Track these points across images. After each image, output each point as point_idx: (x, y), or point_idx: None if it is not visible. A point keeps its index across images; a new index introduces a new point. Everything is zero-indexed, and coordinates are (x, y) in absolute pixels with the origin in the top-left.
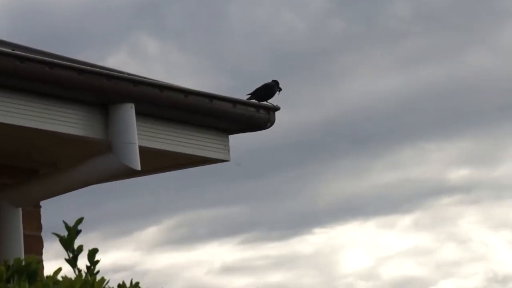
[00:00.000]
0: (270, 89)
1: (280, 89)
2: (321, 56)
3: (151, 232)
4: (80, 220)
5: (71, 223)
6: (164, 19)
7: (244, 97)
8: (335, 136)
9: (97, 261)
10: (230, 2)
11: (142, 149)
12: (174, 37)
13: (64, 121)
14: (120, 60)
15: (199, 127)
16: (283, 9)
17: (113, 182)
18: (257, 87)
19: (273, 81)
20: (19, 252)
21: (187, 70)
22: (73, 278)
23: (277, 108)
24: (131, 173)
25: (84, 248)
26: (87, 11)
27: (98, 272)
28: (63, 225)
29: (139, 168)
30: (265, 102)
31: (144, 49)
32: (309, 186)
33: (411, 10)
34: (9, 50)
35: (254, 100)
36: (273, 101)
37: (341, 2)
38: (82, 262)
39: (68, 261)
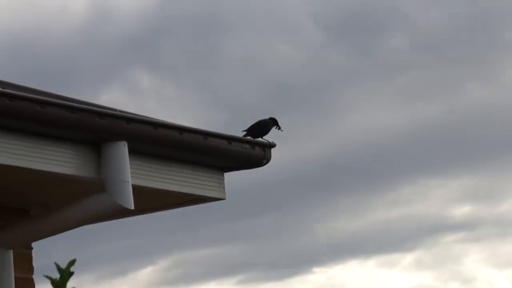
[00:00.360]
0: (265, 126)
1: (279, 128)
2: (318, 89)
3: (146, 273)
4: (72, 262)
5: (63, 265)
6: (158, 53)
7: (240, 133)
8: (334, 172)
9: None
10: (224, 34)
11: (136, 188)
12: (169, 71)
13: (56, 160)
14: (113, 96)
15: (194, 165)
16: (278, 41)
17: (107, 222)
18: (252, 123)
19: (270, 118)
20: None
21: (182, 105)
22: None
23: (273, 145)
24: (124, 213)
25: None
26: (79, 45)
27: None
28: (55, 267)
29: (132, 207)
30: (260, 139)
31: (138, 84)
32: (308, 223)
33: (409, 41)
34: None
35: (249, 137)
36: (269, 137)
37: (337, 33)
38: None
39: None
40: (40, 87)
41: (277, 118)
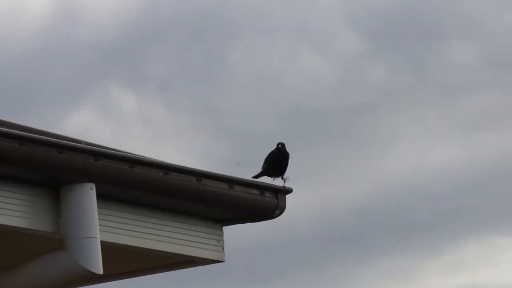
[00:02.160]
0: (280, 158)
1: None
2: (352, 115)
3: None
4: None
5: None
6: (144, 65)
7: (244, 174)
8: (372, 224)
9: None
10: (231, 43)
11: (106, 246)
12: (157, 89)
13: (0, 208)
14: (83, 121)
15: (184, 216)
16: (301, 51)
17: None
18: (264, 161)
19: (279, 145)
20: None
21: (173, 132)
22: None
23: (288, 191)
24: (90, 278)
25: None
26: (39, 53)
27: None
28: None
29: (101, 271)
30: (272, 182)
31: (117, 105)
32: None
33: (475, 54)
34: None
35: (258, 180)
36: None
37: (379, 42)
38: None
39: None
40: None
41: (296, 153)
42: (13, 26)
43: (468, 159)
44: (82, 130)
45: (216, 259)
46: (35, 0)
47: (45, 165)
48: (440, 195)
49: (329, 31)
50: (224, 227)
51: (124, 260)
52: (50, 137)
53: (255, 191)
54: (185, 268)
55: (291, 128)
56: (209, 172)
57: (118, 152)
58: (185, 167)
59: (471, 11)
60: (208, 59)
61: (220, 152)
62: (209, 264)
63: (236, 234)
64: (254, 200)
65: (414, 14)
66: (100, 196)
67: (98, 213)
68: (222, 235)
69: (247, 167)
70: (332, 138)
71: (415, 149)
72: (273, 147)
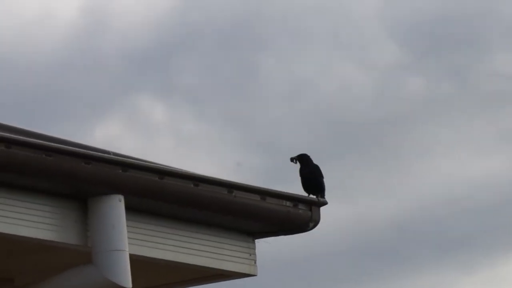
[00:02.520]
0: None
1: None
2: (390, 126)
3: None
4: None
5: None
6: (174, 75)
7: (279, 184)
8: (408, 238)
9: None
10: (263, 52)
11: (135, 259)
12: (186, 99)
13: (26, 221)
14: (112, 132)
15: (215, 229)
16: (336, 61)
17: None
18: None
19: (301, 156)
20: None
21: (203, 145)
22: None
23: (322, 203)
24: None
25: None
26: (68, 65)
27: None
28: None
29: (130, 285)
30: (306, 195)
31: (147, 117)
32: None
33: None
34: None
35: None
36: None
37: (417, 51)
38: None
39: None
40: (7, 120)
41: (331, 166)
42: (41, 35)
43: (509, 172)
44: (111, 142)
45: (247, 272)
46: (63, 10)
47: (72, 176)
48: (479, 209)
49: (365, 40)
50: (256, 240)
51: (153, 274)
52: (77, 147)
53: (288, 203)
54: (216, 282)
55: (325, 140)
56: (241, 183)
57: (147, 163)
58: (216, 178)
59: None
60: (240, 68)
61: (252, 164)
62: (240, 278)
63: (268, 247)
64: (287, 212)
65: (454, 22)
66: (129, 208)
67: (127, 226)
68: (254, 248)
69: (246, 167)
70: (368, 150)
71: (454, 161)
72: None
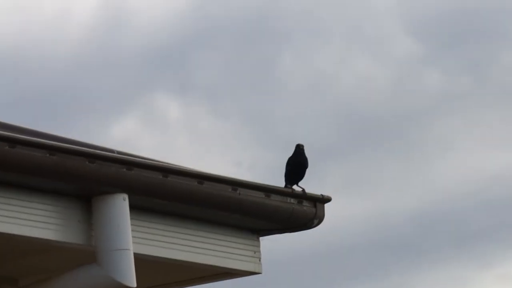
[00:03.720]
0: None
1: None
2: (407, 120)
3: None
4: None
5: None
6: (191, 72)
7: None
8: (428, 232)
9: None
10: (281, 47)
11: (139, 258)
12: (203, 96)
13: (30, 220)
14: (128, 130)
15: (219, 227)
16: (354, 55)
17: None
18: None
19: (298, 146)
20: None
21: (219, 142)
22: None
23: (327, 199)
24: None
25: None
26: (84, 66)
27: None
28: None
29: (134, 284)
30: (311, 192)
31: (164, 114)
32: None
33: None
34: None
35: (294, 188)
36: (327, 187)
37: (435, 45)
38: None
39: None
40: (14, 120)
41: (350, 161)
42: (58, 33)
43: None
44: (128, 140)
45: (252, 270)
46: (81, 7)
47: (76, 175)
48: (499, 203)
49: (384, 34)
50: (261, 238)
51: (157, 272)
52: (81, 146)
53: (292, 200)
54: (220, 280)
55: (344, 134)
56: (245, 181)
57: (151, 162)
58: (220, 176)
59: None
60: (257, 64)
61: (269, 160)
62: (245, 276)
63: (273, 245)
64: (292, 209)
65: (472, 15)
66: (133, 207)
67: (131, 224)
68: (259, 246)
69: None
70: (387, 144)
71: (473, 155)
72: (326, 156)
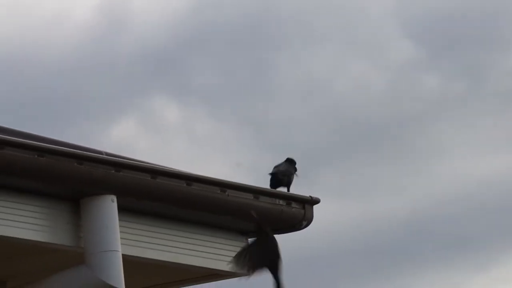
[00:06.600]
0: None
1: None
2: (403, 125)
3: None
4: None
5: None
6: (190, 75)
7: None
8: (423, 236)
9: None
10: (277, 51)
11: (127, 260)
12: (201, 100)
13: (18, 222)
14: (127, 133)
15: (208, 228)
16: (351, 59)
17: None
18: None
19: (288, 161)
20: None
21: (218, 145)
22: None
23: (315, 201)
24: None
25: None
26: (82, 68)
27: None
28: None
29: (123, 286)
30: (300, 193)
31: (162, 117)
32: None
33: None
34: None
35: (284, 190)
36: (317, 189)
37: (432, 49)
38: None
39: None
40: (3, 122)
41: (346, 165)
42: (56, 36)
43: None
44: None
45: (241, 272)
46: (79, 10)
47: (64, 177)
48: (494, 207)
49: (380, 38)
50: (249, 239)
51: (146, 274)
52: (69, 148)
53: (281, 202)
54: (209, 282)
55: (340, 139)
56: (234, 182)
57: (140, 163)
58: (209, 177)
59: None
60: (254, 68)
61: (266, 163)
62: (235, 277)
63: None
64: (280, 211)
65: (469, 20)
66: (122, 208)
67: (120, 226)
68: None
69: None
70: (382, 149)
71: (469, 159)
72: (321, 160)
